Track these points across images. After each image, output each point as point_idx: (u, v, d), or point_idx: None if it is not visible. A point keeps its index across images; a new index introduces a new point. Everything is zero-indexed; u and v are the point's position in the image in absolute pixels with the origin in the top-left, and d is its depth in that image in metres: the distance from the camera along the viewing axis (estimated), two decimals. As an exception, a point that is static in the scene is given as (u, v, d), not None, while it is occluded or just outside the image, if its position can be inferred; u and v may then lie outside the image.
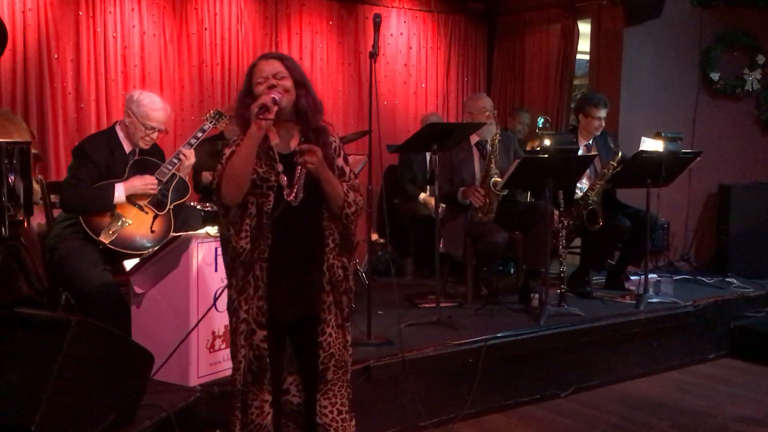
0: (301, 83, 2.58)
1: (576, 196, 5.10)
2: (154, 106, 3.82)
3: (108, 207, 3.67)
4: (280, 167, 2.54)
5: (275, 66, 2.55)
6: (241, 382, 2.57)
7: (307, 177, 2.55)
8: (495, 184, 4.79)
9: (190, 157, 3.89)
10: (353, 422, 2.72)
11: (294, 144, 2.60)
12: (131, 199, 3.75)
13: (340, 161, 2.66)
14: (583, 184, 5.17)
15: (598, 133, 5.34)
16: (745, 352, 5.13)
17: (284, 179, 2.54)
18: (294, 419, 2.73)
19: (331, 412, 2.63)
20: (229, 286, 2.60)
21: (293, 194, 2.53)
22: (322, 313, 2.60)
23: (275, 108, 2.44)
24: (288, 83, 2.54)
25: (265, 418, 2.59)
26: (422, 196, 5.95)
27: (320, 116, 2.64)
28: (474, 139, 4.98)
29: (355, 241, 2.73)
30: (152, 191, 3.78)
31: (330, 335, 2.61)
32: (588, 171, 5.08)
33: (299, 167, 2.52)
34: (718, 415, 3.98)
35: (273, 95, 2.45)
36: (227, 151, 2.54)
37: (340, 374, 2.64)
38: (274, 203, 2.51)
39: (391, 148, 5.44)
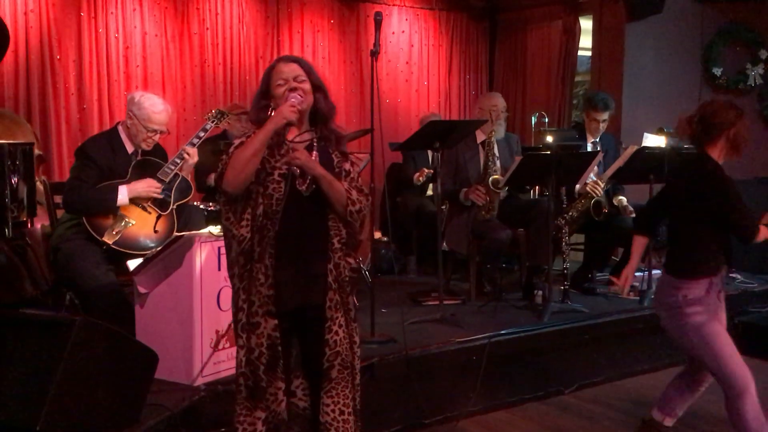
0: (319, 87, 2.65)
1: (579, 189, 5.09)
2: (155, 108, 3.82)
3: (111, 209, 3.68)
4: None
5: (295, 69, 2.62)
6: (250, 374, 2.56)
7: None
8: (495, 182, 4.78)
9: (193, 155, 3.89)
10: (359, 425, 2.71)
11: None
12: (134, 199, 3.76)
13: (347, 165, 2.69)
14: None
15: (598, 136, 5.29)
16: (749, 348, 5.07)
17: (297, 170, 2.57)
18: (299, 422, 2.72)
19: (333, 411, 2.62)
20: (231, 276, 2.61)
21: (305, 184, 2.57)
22: (328, 311, 2.60)
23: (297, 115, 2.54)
24: (307, 86, 2.61)
25: (279, 405, 2.58)
26: None
27: (333, 121, 2.71)
28: (480, 137, 4.96)
29: (358, 241, 2.74)
30: (155, 195, 3.79)
31: (337, 333, 2.61)
32: (597, 168, 5.08)
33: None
34: (721, 410, 3.97)
35: (293, 99, 2.53)
36: (237, 142, 2.58)
37: (345, 374, 2.63)
38: (285, 191, 2.54)
39: (393, 146, 5.43)
